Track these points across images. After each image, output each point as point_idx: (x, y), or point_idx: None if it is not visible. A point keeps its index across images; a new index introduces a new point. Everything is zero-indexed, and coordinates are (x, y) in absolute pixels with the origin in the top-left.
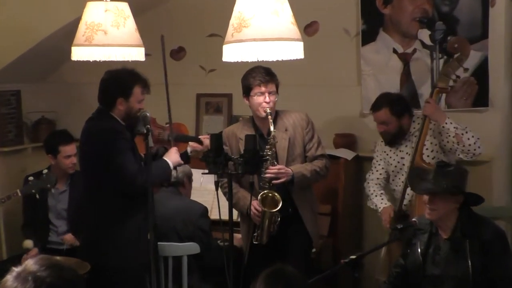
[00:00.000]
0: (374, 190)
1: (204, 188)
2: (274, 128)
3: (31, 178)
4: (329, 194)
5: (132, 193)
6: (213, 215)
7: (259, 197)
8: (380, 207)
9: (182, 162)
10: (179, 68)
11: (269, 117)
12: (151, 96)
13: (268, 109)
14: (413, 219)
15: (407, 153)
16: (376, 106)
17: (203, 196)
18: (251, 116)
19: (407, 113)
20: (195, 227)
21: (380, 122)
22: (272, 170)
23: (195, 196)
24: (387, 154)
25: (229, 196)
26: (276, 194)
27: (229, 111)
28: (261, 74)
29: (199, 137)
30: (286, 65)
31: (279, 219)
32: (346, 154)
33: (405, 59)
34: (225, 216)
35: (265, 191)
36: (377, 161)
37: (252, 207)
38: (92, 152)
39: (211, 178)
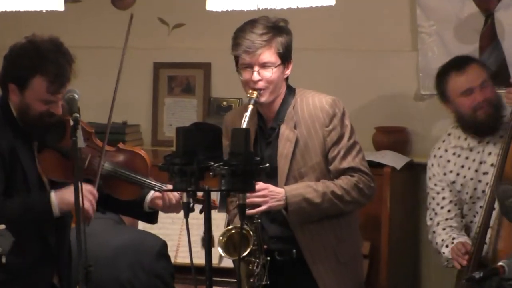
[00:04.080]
0: (442, 240)
1: (166, 214)
2: (281, 123)
3: None
4: (367, 225)
5: None
6: (181, 257)
7: (218, 240)
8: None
9: (73, 206)
10: (125, 22)
11: (250, 106)
12: (86, 70)
13: (253, 94)
14: (500, 263)
15: (489, 153)
16: (459, 63)
17: (164, 227)
18: None
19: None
20: (150, 275)
21: (465, 90)
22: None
23: (151, 227)
24: (458, 158)
25: (206, 227)
26: (244, 228)
27: (205, 90)
28: (250, 33)
29: (163, 186)
30: (302, 19)
31: (265, 269)
32: (393, 159)
33: (487, 8)
34: (200, 258)
35: (227, 229)
36: (437, 190)
37: None
38: None
39: None
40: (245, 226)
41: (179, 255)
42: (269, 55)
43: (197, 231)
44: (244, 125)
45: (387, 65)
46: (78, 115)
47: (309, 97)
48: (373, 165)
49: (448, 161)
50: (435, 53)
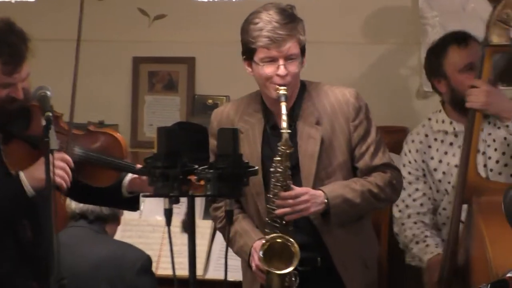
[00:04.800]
0: (413, 235)
1: (146, 221)
2: (297, 119)
3: None
4: None
5: None
6: (163, 268)
7: (260, 249)
8: (423, 259)
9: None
10: (103, 12)
11: (282, 104)
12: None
13: (282, 90)
14: (509, 275)
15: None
16: (461, 37)
17: (144, 235)
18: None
19: None
20: None
21: (467, 64)
22: (285, 200)
23: (130, 236)
24: (441, 143)
25: (190, 238)
26: (291, 241)
27: (189, 87)
28: (273, 23)
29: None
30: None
31: (297, 280)
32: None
33: None
34: (183, 270)
35: (271, 237)
36: (409, 180)
37: (253, 257)
38: None
39: (158, 205)
40: (291, 239)
41: (160, 266)
42: (294, 47)
43: (180, 240)
44: (284, 125)
45: (386, 60)
46: (50, 114)
47: (327, 90)
48: None
49: (429, 146)
50: None
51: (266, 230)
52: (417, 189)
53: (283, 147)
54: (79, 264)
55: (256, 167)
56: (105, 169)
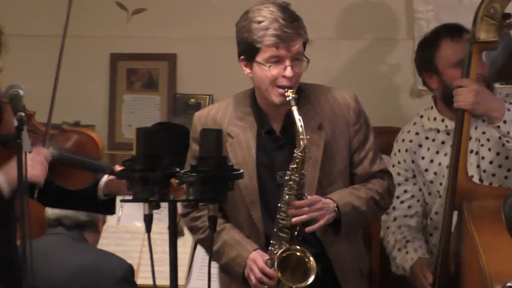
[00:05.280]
0: (395, 241)
1: (124, 228)
2: (292, 122)
3: None
4: None
5: None
6: (142, 277)
7: (276, 258)
8: (406, 267)
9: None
10: (78, 6)
11: (294, 108)
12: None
13: (291, 94)
14: (509, 284)
15: (469, 138)
16: (454, 30)
17: (122, 243)
18: (252, 91)
19: None
20: None
21: (459, 60)
22: (300, 209)
23: (107, 243)
24: (432, 142)
25: (171, 246)
26: (309, 256)
27: (170, 86)
28: (280, 20)
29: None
30: None
31: None
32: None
33: None
34: (164, 279)
35: (287, 249)
36: (398, 181)
37: (250, 269)
38: None
39: (138, 210)
40: (307, 251)
41: (140, 276)
42: (300, 46)
43: (161, 248)
44: (300, 130)
45: (378, 56)
46: (23, 114)
47: (326, 93)
48: None
49: (420, 145)
50: None
51: (272, 241)
52: (405, 191)
53: (300, 154)
54: (56, 273)
55: (241, 171)
56: (80, 170)
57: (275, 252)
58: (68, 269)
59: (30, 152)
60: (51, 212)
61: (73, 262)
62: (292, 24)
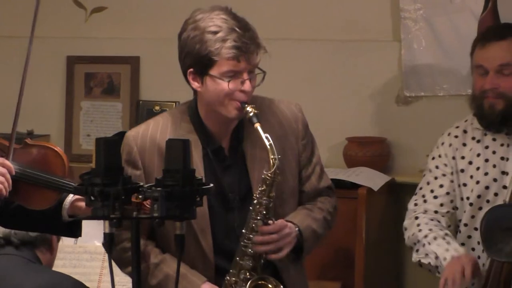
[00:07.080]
0: (430, 230)
1: (82, 248)
2: (242, 141)
3: None
4: (337, 261)
5: None
6: None
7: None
8: (445, 257)
9: None
10: (31, 4)
11: (257, 125)
12: None
13: (251, 110)
14: None
15: None
16: (491, 34)
17: (80, 264)
18: (189, 105)
19: None
20: None
21: (479, 66)
22: (264, 236)
23: (63, 264)
24: (477, 143)
25: (134, 267)
26: (279, 286)
27: (133, 91)
28: (236, 29)
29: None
30: (259, 7)
31: None
32: (370, 178)
33: None
34: None
35: (260, 277)
36: (436, 175)
37: None
38: None
39: (97, 228)
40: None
41: None
42: (259, 57)
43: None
44: (269, 148)
45: (361, 59)
46: None
47: (272, 106)
48: (345, 185)
49: (464, 144)
50: (422, 44)
51: (231, 270)
52: (441, 186)
53: (270, 175)
54: None
55: (211, 185)
56: (44, 188)
57: (234, 281)
58: None
59: None
60: None
61: (27, 286)
62: (249, 34)
